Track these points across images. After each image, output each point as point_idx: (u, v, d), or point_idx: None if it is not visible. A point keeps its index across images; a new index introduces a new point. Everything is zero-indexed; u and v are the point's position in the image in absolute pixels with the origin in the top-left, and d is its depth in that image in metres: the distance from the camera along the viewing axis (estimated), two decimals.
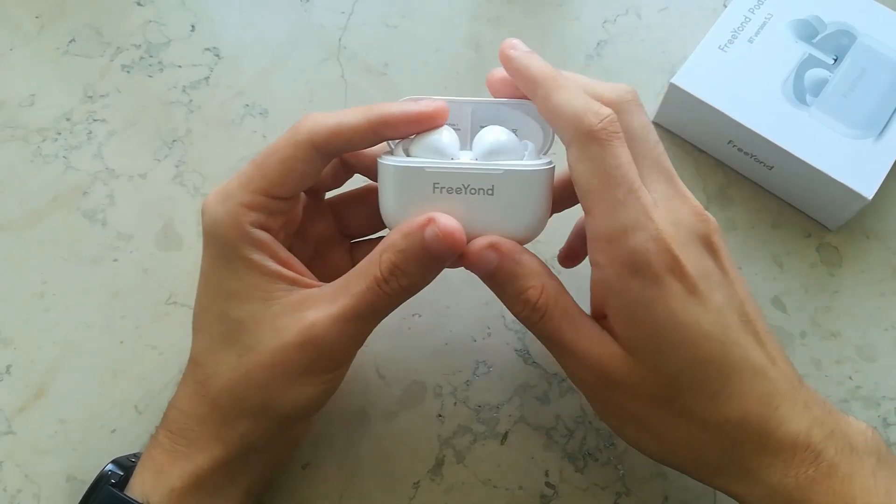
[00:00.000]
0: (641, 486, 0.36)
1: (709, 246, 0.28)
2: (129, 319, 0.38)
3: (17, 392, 0.37)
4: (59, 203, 0.41)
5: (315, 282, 0.30)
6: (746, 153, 0.41)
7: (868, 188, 0.38)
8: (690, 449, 0.28)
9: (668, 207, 0.28)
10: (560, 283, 0.29)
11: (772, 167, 0.41)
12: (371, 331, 0.30)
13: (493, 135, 0.29)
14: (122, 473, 0.30)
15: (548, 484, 0.36)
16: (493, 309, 0.39)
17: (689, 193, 0.29)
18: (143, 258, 0.40)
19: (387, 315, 0.29)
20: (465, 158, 0.29)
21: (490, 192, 0.28)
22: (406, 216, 0.28)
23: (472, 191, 0.28)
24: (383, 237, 0.29)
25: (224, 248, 0.29)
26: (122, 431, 0.36)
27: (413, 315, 0.39)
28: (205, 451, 0.29)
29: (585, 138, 0.27)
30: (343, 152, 0.30)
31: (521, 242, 0.29)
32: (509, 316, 0.39)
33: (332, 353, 0.29)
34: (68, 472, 0.35)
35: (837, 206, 0.40)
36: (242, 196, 0.29)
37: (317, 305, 0.28)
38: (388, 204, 0.29)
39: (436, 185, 0.28)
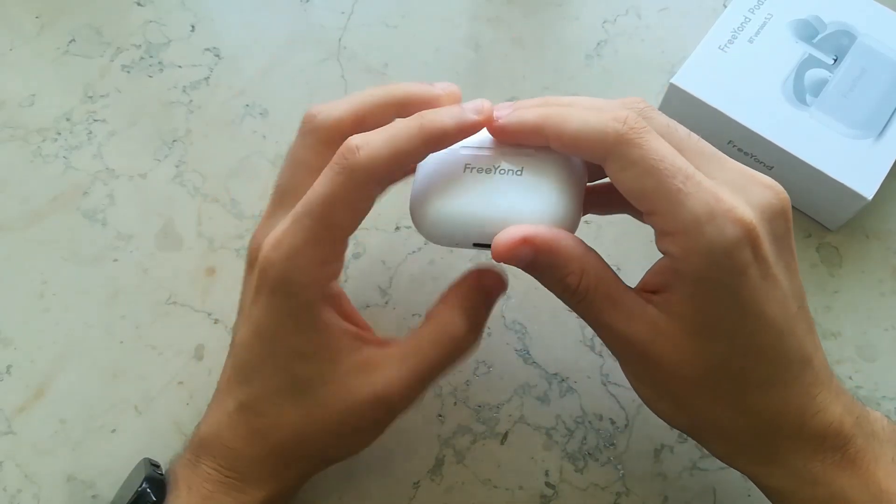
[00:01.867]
0: (641, 486, 0.36)
1: (784, 223, 0.27)
2: (129, 319, 0.38)
3: (17, 392, 0.36)
4: (59, 203, 0.41)
5: (374, 337, 0.31)
6: (746, 153, 0.41)
7: (868, 188, 0.38)
8: (723, 431, 0.28)
9: (736, 187, 0.26)
10: (600, 261, 0.28)
11: (772, 167, 0.41)
12: (429, 388, 0.30)
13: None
14: (157, 489, 0.30)
15: (548, 484, 0.36)
16: (494, 309, 0.39)
17: (748, 169, 0.27)
18: (143, 258, 0.40)
19: (447, 373, 0.30)
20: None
21: (519, 172, 0.28)
22: (435, 195, 0.28)
23: (502, 171, 0.28)
24: None
25: (295, 308, 0.28)
26: (122, 431, 0.36)
27: (413, 315, 0.39)
28: (259, 487, 0.30)
29: (617, 146, 0.25)
30: (398, 180, 0.31)
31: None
32: (509, 316, 0.39)
33: (400, 409, 0.30)
34: (68, 472, 0.35)
35: (837, 206, 0.40)
36: (316, 253, 0.27)
37: (386, 369, 0.29)
38: (420, 185, 0.29)
39: (467, 166, 0.28)
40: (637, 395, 0.30)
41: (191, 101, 0.44)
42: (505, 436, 0.37)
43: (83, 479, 0.35)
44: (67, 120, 0.43)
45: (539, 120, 0.27)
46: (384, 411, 0.29)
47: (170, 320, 0.38)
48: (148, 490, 0.30)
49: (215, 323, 0.38)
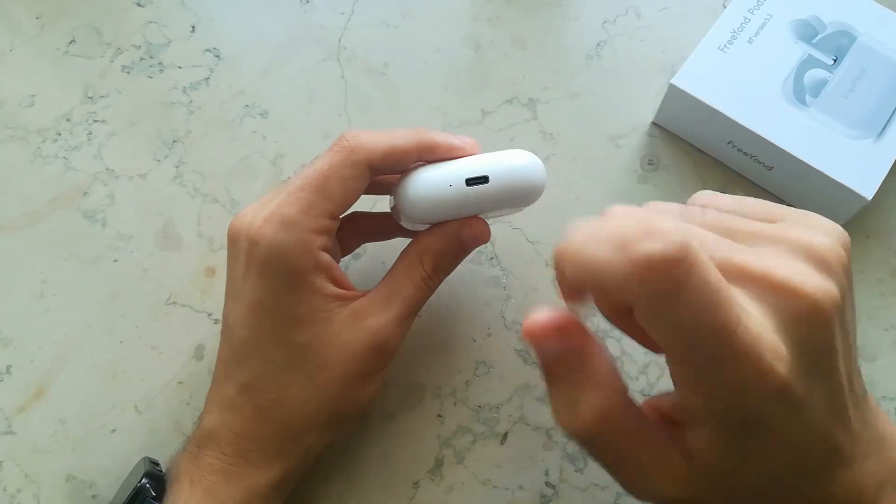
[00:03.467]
0: None
1: (822, 329, 0.22)
2: (129, 319, 0.38)
3: (17, 392, 0.37)
4: (59, 203, 0.41)
5: (355, 291, 0.32)
6: (746, 153, 0.41)
7: (868, 188, 0.38)
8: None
9: (767, 310, 0.22)
10: (625, 396, 0.24)
11: (772, 167, 0.41)
12: (412, 324, 0.32)
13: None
14: (156, 484, 0.30)
15: (548, 484, 0.36)
16: (493, 309, 0.39)
17: (787, 263, 0.22)
18: (143, 258, 0.40)
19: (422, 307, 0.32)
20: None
21: (486, 179, 0.31)
22: (427, 210, 0.31)
23: (476, 181, 0.31)
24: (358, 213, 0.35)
25: (290, 276, 0.29)
26: (122, 431, 0.36)
27: None
28: (264, 469, 0.30)
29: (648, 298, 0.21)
30: (389, 173, 0.32)
31: (523, 206, 0.32)
32: (509, 316, 0.39)
33: (392, 351, 0.32)
34: (68, 472, 0.35)
35: (837, 206, 0.40)
36: (309, 222, 0.29)
37: (374, 313, 0.31)
38: (419, 198, 0.31)
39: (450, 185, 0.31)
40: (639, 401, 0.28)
41: (191, 101, 0.44)
42: (505, 436, 0.37)
43: (83, 479, 0.35)
44: (67, 120, 0.43)
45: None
46: (381, 353, 0.31)
47: (170, 320, 0.38)
48: (147, 485, 0.30)
49: (215, 323, 0.38)
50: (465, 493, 0.35)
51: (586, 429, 0.23)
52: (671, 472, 0.23)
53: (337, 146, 0.30)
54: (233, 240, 0.31)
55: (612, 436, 0.23)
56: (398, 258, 0.32)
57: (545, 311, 0.23)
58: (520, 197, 0.31)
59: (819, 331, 0.22)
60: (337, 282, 0.31)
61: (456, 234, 0.32)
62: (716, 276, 0.20)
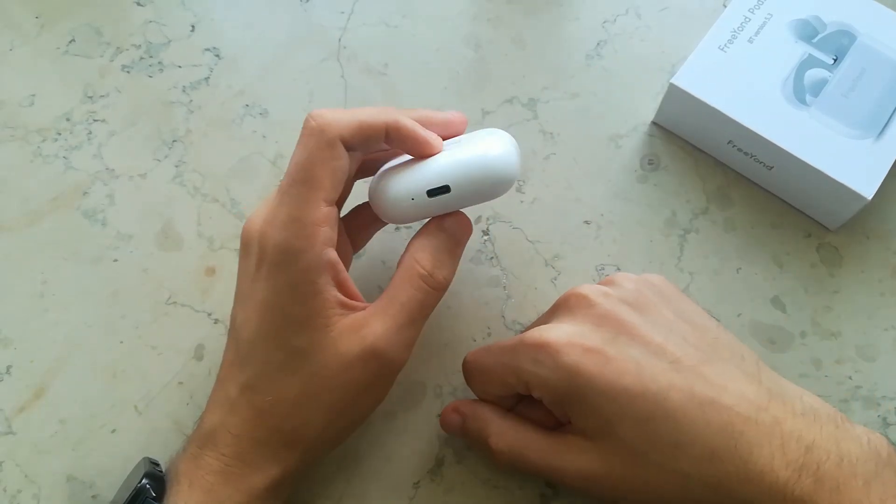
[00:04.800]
0: None
1: (612, 313, 0.31)
2: (129, 319, 0.38)
3: (17, 392, 0.37)
4: (59, 203, 0.41)
5: (362, 302, 0.31)
6: (746, 153, 0.41)
7: (868, 188, 0.38)
8: (687, 500, 0.29)
9: (550, 323, 0.32)
10: (516, 422, 0.32)
11: (772, 167, 0.41)
12: (420, 331, 0.32)
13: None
14: (156, 485, 0.30)
15: (548, 484, 0.36)
16: (493, 309, 0.39)
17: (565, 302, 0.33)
18: (143, 258, 0.40)
19: (431, 312, 0.32)
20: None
21: (447, 189, 0.31)
22: (398, 217, 0.32)
23: (437, 192, 0.31)
24: (362, 207, 0.36)
25: (295, 276, 0.29)
26: (122, 431, 0.36)
27: None
28: (262, 472, 0.30)
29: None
30: (363, 150, 0.32)
31: (490, 198, 0.32)
32: (509, 316, 0.39)
33: (393, 361, 0.31)
34: (68, 472, 0.35)
35: (837, 206, 0.40)
36: (309, 216, 0.29)
37: (372, 324, 0.30)
38: (387, 206, 0.32)
39: (420, 194, 0.32)
40: None
41: (191, 101, 0.44)
42: None
43: (83, 479, 0.35)
44: (67, 120, 0.43)
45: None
46: (377, 364, 0.30)
47: (170, 320, 0.38)
48: (147, 486, 0.30)
49: (215, 323, 0.38)
50: (465, 493, 0.35)
51: (497, 454, 0.32)
52: (570, 454, 0.30)
53: (306, 130, 0.30)
54: (245, 244, 0.31)
55: (513, 450, 0.32)
56: (396, 267, 0.32)
57: (446, 409, 0.34)
58: (487, 195, 0.32)
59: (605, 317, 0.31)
60: (342, 285, 0.31)
61: (440, 228, 0.32)
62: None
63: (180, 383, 0.37)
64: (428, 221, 0.32)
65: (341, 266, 0.31)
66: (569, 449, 0.31)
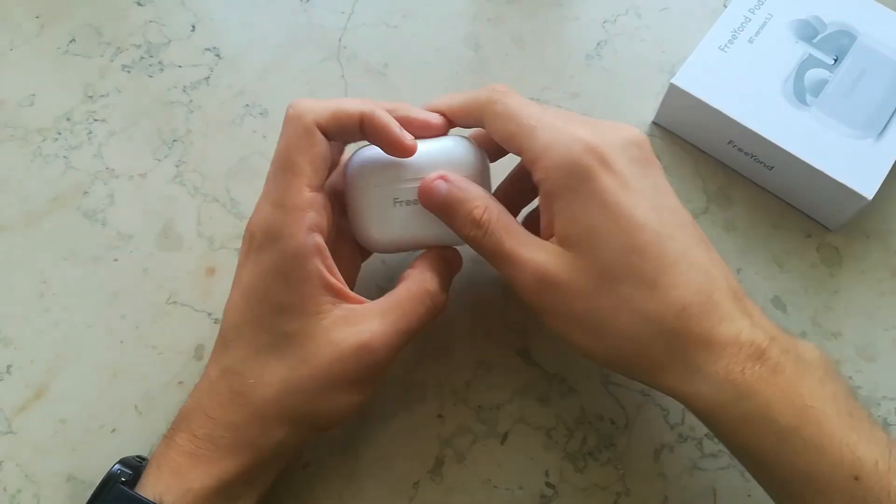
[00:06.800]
0: (641, 486, 0.36)
1: (639, 149, 0.31)
2: (129, 319, 0.38)
3: (17, 392, 0.37)
4: (59, 203, 0.41)
5: (355, 295, 0.31)
6: (746, 153, 0.41)
7: (868, 188, 0.38)
8: (635, 343, 0.29)
9: (588, 128, 0.31)
10: (502, 207, 0.32)
11: (772, 167, 0.41)
12: (404, 347, 0.32)
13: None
14: (130, 472, 0.30)
15: (548, 484, 0.36)
16: (494, 309, 0.39)
17: (609, 122, 0.32)
18: (143, 258, 0.40)
19: (420, 332, 0.32)
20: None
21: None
22: (375, 228, 0.33)
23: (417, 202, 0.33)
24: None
25: (282, 259, 0.30)
26: (122, 431, 0.36)
27: None
28: (233, 457, 0.29)
29: (488, 105, 0.32)
30: (340, 138, 0.32)
31: None
32: (509, 316, 0.39)
33: (383, 364, 0.31)
34: (68, 472, 0.35)
35: (837, 206, 0.40)
36: (293, 200, 0.30)
37: (369, 321, 0.30)
38: (358, 219, 0.34)
39: (396, 200, 0.33)
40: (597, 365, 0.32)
41: (191, 101, 0.44)
42: (505, 436, 0.37)
43: (83, 479, 0.35)
44: (67, 120, 0.43)
45: (439, 102, 0.34)
46: (368, 363, 0.30)
47: (170, 320, 0.38)
48: (118, 471, 0.30)
49: (215, 323, 0.38)
50: (465, 493, 0.35)
51: (480, 220, 0.31)
52: (542, 245, 0.30)
53: (285, 119, 0.31)
54: (244, 238, 0.32)
55: (498, 223, 0.31)
56: (402, 278, 0.32)
57: (429, 175, 0.32)
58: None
59: (637, 148, 0.31)
60: (330, 269, 0.31)
61: (444, 258, 0.33)
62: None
63: (180, 383, 0.37)
64: (430, 251, 0.34)
65: (328, 253, 0.31)
66: (543, 248, 0.30)
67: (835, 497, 0.26)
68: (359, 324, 0.30)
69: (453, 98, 0.34)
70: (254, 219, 0.31)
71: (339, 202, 0.34)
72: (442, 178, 0.32)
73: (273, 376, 0.30)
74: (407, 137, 0.32)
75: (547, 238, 0.31)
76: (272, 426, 0.30)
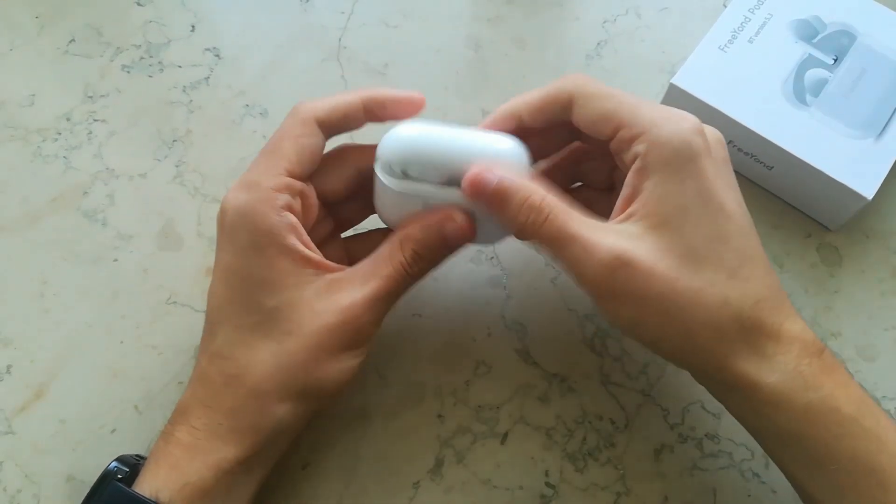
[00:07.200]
0: (641, 486, 0.36)
1: (723, 149, 0.31)
2: (129, 319, 0.38)
3: (17, 392, 0.36)
4: (59, 203, 0.41)
5: (332, 264, 0.31)
6: (746, 153, 0.41)
7: (868, 188, 0.38)
8: (710, 328, 0.28)
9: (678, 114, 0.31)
10: (557, 194, 0.31)
11: (772, 167, 0.41)
12: (389, 309, 0.32)
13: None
14: (127, 470, 0.30)
15: (548, 484, 0.36)
16: (494, 309, 0.39)
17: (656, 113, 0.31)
18: (143, 258, 0.40)
19: (405, 293, 0.32)
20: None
21: (472, 216, 0.32)
22: (401, 220, 0.32)
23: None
24: (373, 231, 0.37)
25: (255, 236, 0.30)
26: (122, 431, 0.36)
27: (413, 315, 0.39)
28: (232, 444, 0.29)
29: (578, 89, 0.31)
30: (341, 130, 0.32)
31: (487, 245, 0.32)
32: (509, 316, 0.39)
33: (366, 330, 0.31)
34: (68, 472, 0.35)
35: (837, 206, 0.40)
36: (268, 181, 0.30)
37: (348, 288, 0.30)
38: (385, 211, 0.33)
39: (426, 204, 0.32)
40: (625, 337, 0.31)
41: (191, 101, 0.44)
42: (505, 436, 0.37)
43: (83, 479, 0.35)
44: (67, 120, 0.43)
45: (509, 106, 0.33)
46: (354, 328, 0.30)
47: (170, 320, 0.38)
48: (114, 468, 0.30)
49: None
50: (465, 493, 0.35)
51: (540, 206, 0.30)
52: (618, 228, 0.29)
53: (288, 114, 0.32)
54: (217, 215, 0.32)
55: (558, 207, 0.30)
56: (384, 241, 0.32)
57: (473, 168, 0.30)
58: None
59: (722, 147, 0.32)
60: (307, 245, 0.31)
61: (439, 226, 0.31)
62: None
63: (180, 383, 0.37)
64: (432, 212, 0.32)
65: (302, 229, 0.31)
66: (613, 229, 0.29)
67: (893, 489, 0.26)
68: (340, 290, 0.30)
69: (528, 96, 0.33)
70: (228, 196, 0.31)
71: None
72: (490, 169, 0.30)
73: (263, 353, 0.30)
74: (413, 92, 0.33)
75: (619, 215, 0.30)
76: (270, 404, 0.30)
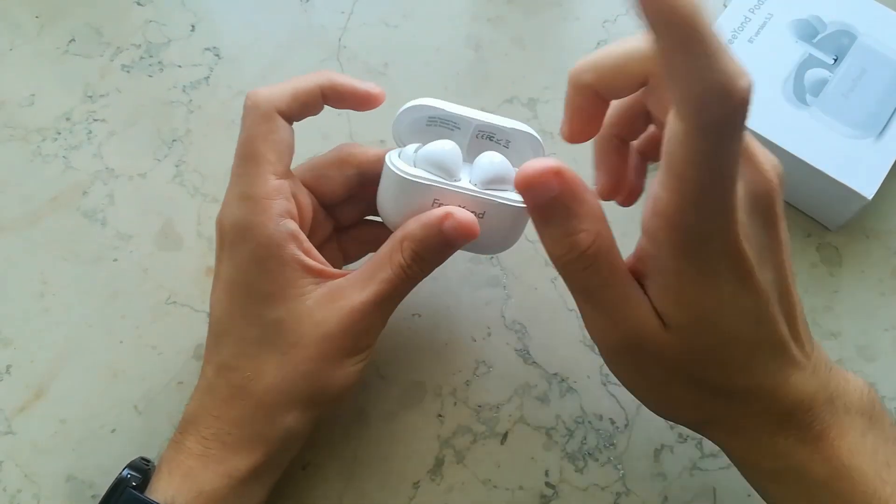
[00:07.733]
0: (641, 486, 0.36)
1: (770, 215, 0.27)
2: (129, 319, 0.38)
3: (17, 392, 0.36)
4: (59, 203, 0.41)
5: (334, 270, 0.31)
6: None
7: (868, 188, 0.38)
8: (697, 410, 0.29)
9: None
10: (612, 235, 0.26)
11: None
12: (394, 310, 0.32)
13: (493, 165, 0.31)
14: (140, 477, 0.30)
15: (548, 484, 0.36)
16: (494, 309, 0.39)
17: (753, 148, 0.27)
18: (143, 258, 0.40)
19: (406, 294, 0.31)
20: (465, 177, 0.31)
21: (481, 216, 0.30)
22: (404, 219, 0.30)
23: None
24: (367, 221, 0.36)
25: (255, 250, 0.30)
26: (122, 431, 0.36)
27: (413, 315, 0.39)
28: (243, 454, 0.30)
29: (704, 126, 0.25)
30: (302, 118, 0.32)
31: (493, 254, 0.30)
32: (509, 316, 0.39)
33: (368, 335, 0.31)
34: (68, 472, 0.35)
35: (837, 206, 0.40)
36: (257, 190, 0.30)
37: (349, 295, 0.30)
38: (389, 205, 0.32)
39: (436, 201, 0.30)
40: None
41: (191, 100, 0.44)
42: (505, 436, 0.37)
43: (83, 479, 0.35)
44: (67, 120, 0.43)
45: (581, 66, 0.29)
46: (356, 333, 0.30)
47: (170, 320, 0.38)
48: (128, 476, 0.30)
49: None
50: (465, 493, 0.35)
51: (584, 253, 0.26)
52: (643, 312, 0.26)
53: (244, 109, 0.31)
54: (216, 233, 0.32)
55: (604, 262, 0.26)
56: (385, 242, 0.31)
57: (536, 162, 0.25)
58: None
59: (775, 199, 0.30)
60: (308, 254, 0.31)
61: (438, 224, 0.29)
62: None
63: (180, 383, 0.37)
64: (434, 210, 0.30)
65: (303, 236, 0.31)
66: (642, 305, 0.26)
67: None
68: (341, 298, 0.30)
69: (602, 55, 0.28)
70: (222, 213, 0.31)
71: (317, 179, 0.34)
72: (557, 172, 0.25)
73: (268, 365, 0.30)
74: (372, 86, 0.32)
75: (635, 275, 0.27)
76: (278, 414, 0.30)
